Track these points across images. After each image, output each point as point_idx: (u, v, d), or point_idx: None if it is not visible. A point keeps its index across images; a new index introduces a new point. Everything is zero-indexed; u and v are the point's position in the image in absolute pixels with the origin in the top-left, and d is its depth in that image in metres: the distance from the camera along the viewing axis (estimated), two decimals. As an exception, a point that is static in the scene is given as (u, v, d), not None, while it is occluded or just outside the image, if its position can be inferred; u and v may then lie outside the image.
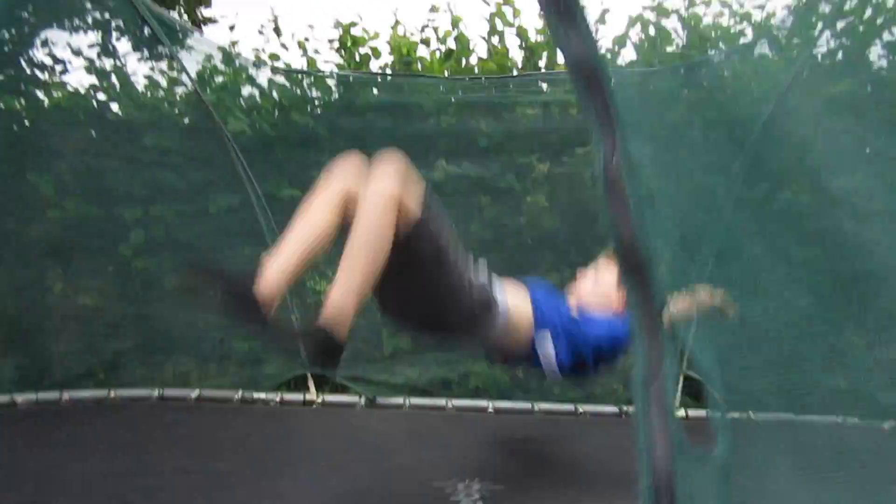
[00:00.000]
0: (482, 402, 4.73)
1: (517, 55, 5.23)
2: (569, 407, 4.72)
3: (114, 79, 4.80)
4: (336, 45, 5.25)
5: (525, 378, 4.83)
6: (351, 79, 5.01)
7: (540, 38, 5.12)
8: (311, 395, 4.78)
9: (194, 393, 4.68)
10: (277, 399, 4.73)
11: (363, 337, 4.94)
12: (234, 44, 4.98)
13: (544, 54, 5.16)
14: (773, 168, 4.30)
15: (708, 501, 1.17)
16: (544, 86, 5.01)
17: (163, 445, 3.83)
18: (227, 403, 4.67)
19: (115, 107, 4.89)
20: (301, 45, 5.11)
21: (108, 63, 4.83)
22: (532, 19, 5.21)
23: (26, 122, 4.71)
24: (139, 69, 4.90)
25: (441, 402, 4.74)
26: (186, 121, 5.01)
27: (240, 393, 4.72)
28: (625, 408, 4.65)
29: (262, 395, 4.74)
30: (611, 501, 3.08)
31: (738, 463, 1.18)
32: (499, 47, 5.19)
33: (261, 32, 5.26)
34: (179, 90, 4.95)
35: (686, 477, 1.13)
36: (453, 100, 4.94)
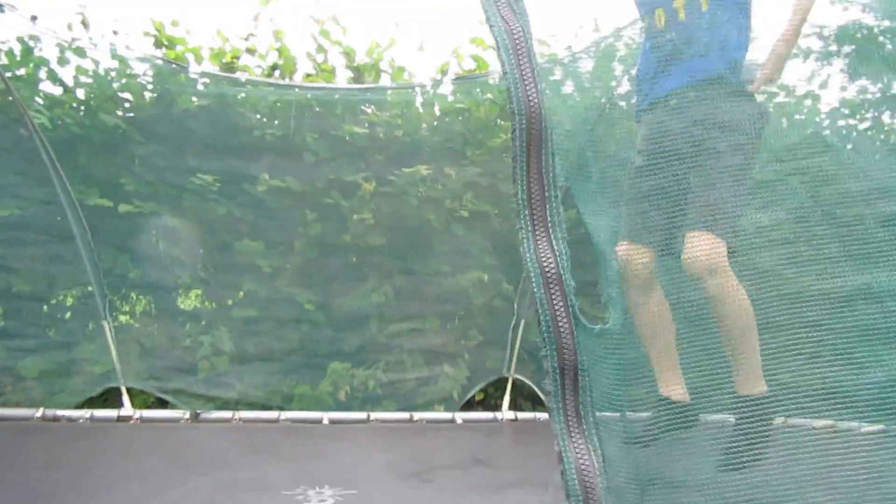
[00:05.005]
0: (316, 414, 4.60)
1: (343, 75, 5.29)
2: (404, 415, 4.76)
3: None
4: (152, 42, 4.94)
5: (350, 397, 4.80)
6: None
7: (367, 60, 5.22)
8: (127, 410, 4.33)
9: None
10: (87, 416, 4.24)
11: (183, 346, 4.64)
12: (32, 37, 4.52)
13: (370, 76, 5.26)
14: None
15: (603, 369, 1.28)
16: (371, 108, 5.10)
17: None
18: (27, 422, 4.12)
19: None
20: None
21: None
22: (360, 40, 5.31)
23: None
24: None
25: (273, 414, 4.55)
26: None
27: (40, 411, 4.16)
28: (458, 415, 4.84)
29: (68, 413, 4.22)
30: (456, 498, 3.17)
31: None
32: (325, 65, 5.21)
33: (69, 28, 4.82)
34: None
35: (585, 350, 1.23)
36: (279, 111, 4.86)
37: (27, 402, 4.26)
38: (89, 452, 3.70)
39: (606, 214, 1.36)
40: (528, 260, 1.26)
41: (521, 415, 4.93)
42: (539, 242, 1.26)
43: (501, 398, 5.08)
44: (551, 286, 1.25)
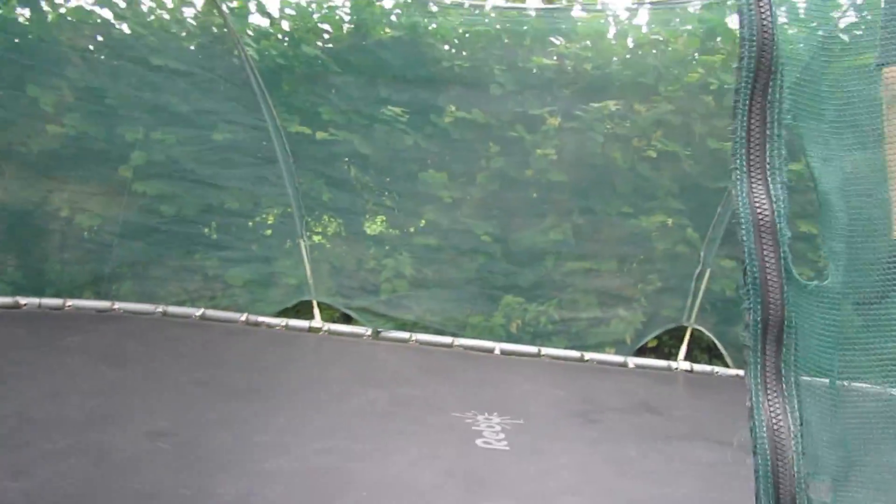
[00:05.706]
0: (488, 343, 4.77)
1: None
2: (574, 354, 4.78)
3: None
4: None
5: (522, 330, 4.87)
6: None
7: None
8: (317, 322, 4.79)
9: (198, 312, 4.69)
10: (283, 324, 4.74)
11: (367, 268, 4.95)
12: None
13: None
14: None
15: (814, 330, 1.17)
16: (560, 40, 4.94)
17: (172, 357, 3.83)
18: (232, 324, 4.68)
19: (123, 26, 4.74)
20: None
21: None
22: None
23: (29, 35, 4.54)
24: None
25: (447, 339, 4.77)
26: (193, 47, 4.88)
27: (244, 316, 4.73)
28: (630, 359, 4.79)
29: (266, 320, 4.74)
30: (623, 442, 3.13)
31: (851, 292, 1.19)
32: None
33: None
34: (188, 12, 4.80)
35: (794, 307, 1.13)
36: (468, 42, 4.86)
37: (233, 307, 4.81)
38: (284, 356, 4.14)
39: (838, 159, 1.21)
40: (740, 204, 1.17)
41: (697, 367, 4.76)
42: (754, 186, 1.17)
43: (676, 347, 4.91)
44: (763, 235, 1.16)
